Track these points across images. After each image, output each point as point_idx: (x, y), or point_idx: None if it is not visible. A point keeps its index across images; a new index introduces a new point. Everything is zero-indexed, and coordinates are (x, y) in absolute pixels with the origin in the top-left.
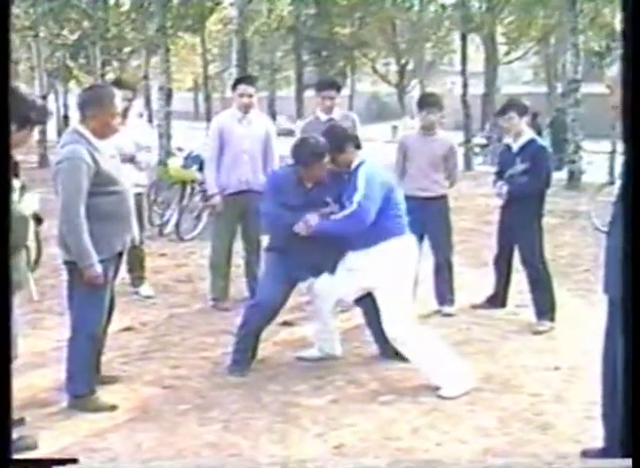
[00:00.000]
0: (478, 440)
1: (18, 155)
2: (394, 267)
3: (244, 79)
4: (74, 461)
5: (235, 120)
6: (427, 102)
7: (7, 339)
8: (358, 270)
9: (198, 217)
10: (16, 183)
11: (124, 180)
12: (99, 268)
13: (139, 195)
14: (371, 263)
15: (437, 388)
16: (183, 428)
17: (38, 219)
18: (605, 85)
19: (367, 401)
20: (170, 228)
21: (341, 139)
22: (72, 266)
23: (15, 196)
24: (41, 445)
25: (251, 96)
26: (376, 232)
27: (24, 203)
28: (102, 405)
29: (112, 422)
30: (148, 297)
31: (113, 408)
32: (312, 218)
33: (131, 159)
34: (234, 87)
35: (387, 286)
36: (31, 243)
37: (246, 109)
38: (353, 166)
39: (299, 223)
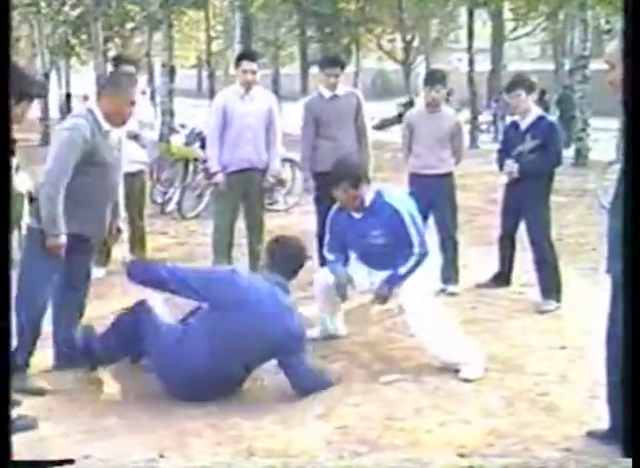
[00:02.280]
0: (482, 420)
1: (18, 133)
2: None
3: (247, 55)
4: (71, 462)
5: (238, 97)
6: (432, 79)
7: (7, 342)
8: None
9: (200, 196)
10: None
11: (116, 173)
12: (63, 239)
13: (140, 172)
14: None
15: (457, 370)
16: (184, 409)
17: (31, 199)
18: (604, 60)
19: (370, 381)
20: (172, 206)
21: (357, 176)
22: (36, 235)
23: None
24: None
25: (254, 72)
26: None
27: (19, 180)
28: (31, 388)
29: (112, 404)
30: None
31: (42, 391)
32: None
33: (135, 137)
34: (237, 63)
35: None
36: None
37: (249, 86)
38: (368, 202)
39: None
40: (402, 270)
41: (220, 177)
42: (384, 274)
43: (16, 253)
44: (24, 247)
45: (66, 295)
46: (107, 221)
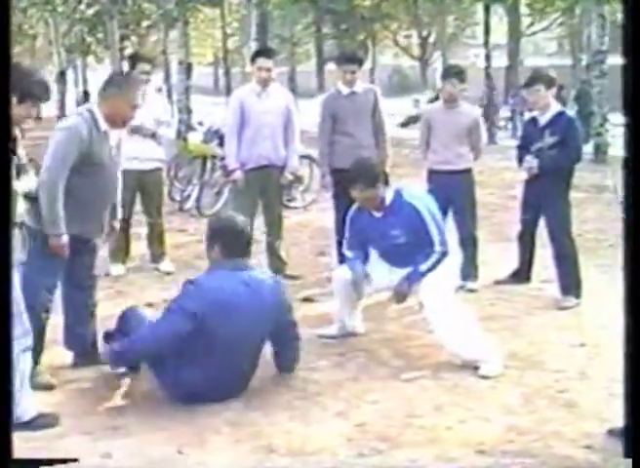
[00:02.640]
0: (502, 417)
1: (36, 131)
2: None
3: (262, 52)
4: (74, 460)
5: (254, 94)
6: (449, 73)
7: (7, 342)
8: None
9: (219, 193)
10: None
11: (115, 173)
12: (65, 239)
13: (157, 170)
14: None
15: (476, 368)
16: (203, 406)
17: (35, 199)
18: None
19: (389, 378)
20: (190, 204)
21: (373, 176)
22: (36, 235)
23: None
24: None
25: (269, 69)
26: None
27: (20, 182)
28: (40, 383)
29: (130, 401)
30: (169, 273)
31: (51, 387)
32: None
33: (152, 135)
34: (253, 60)
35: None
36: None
37: (265, 83)
38: (388, 201)
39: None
40: (423, 267)
41: (238, 174)
42: (405, 272)
43: (18, 253)
44: (31, 249)
45: (70, 296)
46: (106, 222)
